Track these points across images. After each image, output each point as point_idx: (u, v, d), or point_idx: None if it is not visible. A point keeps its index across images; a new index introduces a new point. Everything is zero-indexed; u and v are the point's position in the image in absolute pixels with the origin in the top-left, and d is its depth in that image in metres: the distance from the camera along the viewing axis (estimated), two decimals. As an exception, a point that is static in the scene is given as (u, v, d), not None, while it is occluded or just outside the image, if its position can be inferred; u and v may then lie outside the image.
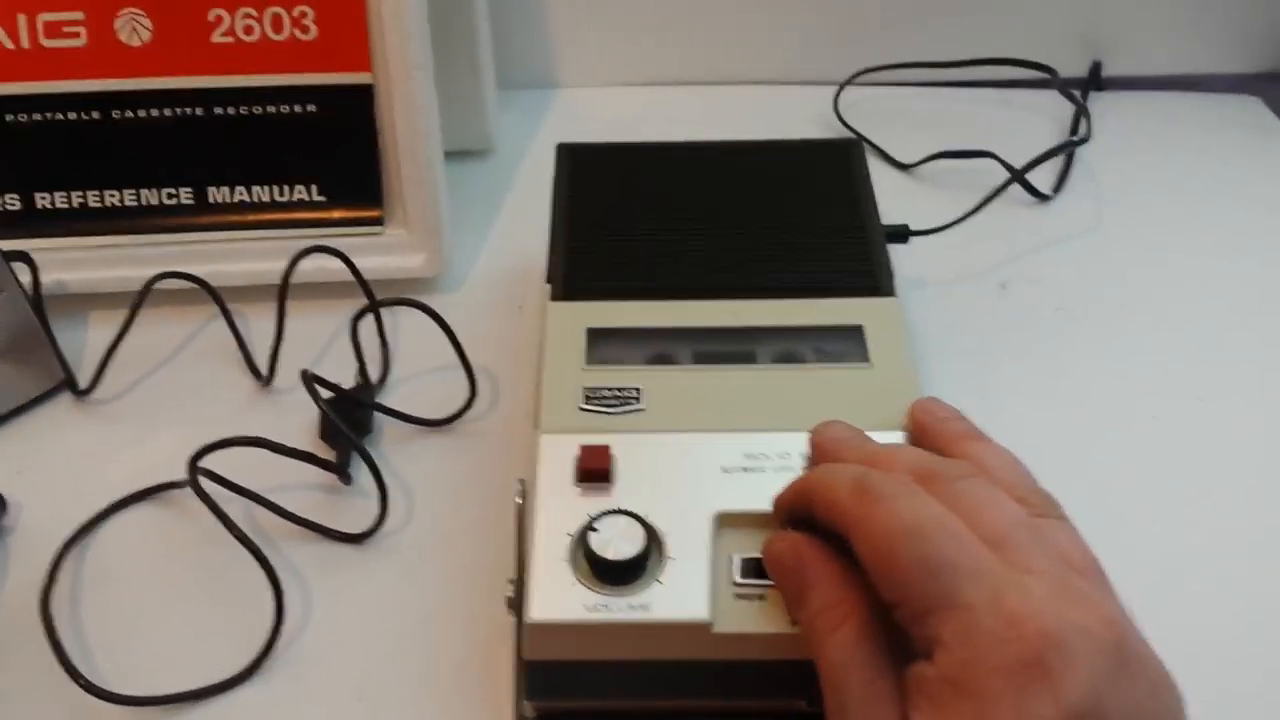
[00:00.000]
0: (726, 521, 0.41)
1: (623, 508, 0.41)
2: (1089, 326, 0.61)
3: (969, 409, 0.52)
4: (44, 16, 0.58)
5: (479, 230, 0.68)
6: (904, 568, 0.33)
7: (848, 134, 0.74)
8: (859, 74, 0.78)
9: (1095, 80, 0.79)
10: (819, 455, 0.43)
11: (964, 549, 0.33)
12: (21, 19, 0.58)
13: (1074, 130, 0.74)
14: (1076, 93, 0.75)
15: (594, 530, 0.40)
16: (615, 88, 0.80)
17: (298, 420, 0.57)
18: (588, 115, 0.78)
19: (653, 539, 0.40)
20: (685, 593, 0.39)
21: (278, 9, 0.59)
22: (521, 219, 0.69)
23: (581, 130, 0.74)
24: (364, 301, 0.60)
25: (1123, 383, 0.58)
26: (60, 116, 0.60)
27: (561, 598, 0.39)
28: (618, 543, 0.39)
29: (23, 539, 0.52)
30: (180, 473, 0.52)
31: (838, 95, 0.77)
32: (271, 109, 0.60)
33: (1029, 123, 0.76)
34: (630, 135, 0.61)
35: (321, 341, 0.61)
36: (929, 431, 0.43)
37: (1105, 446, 0.55)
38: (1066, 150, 0.71)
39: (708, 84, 0.80)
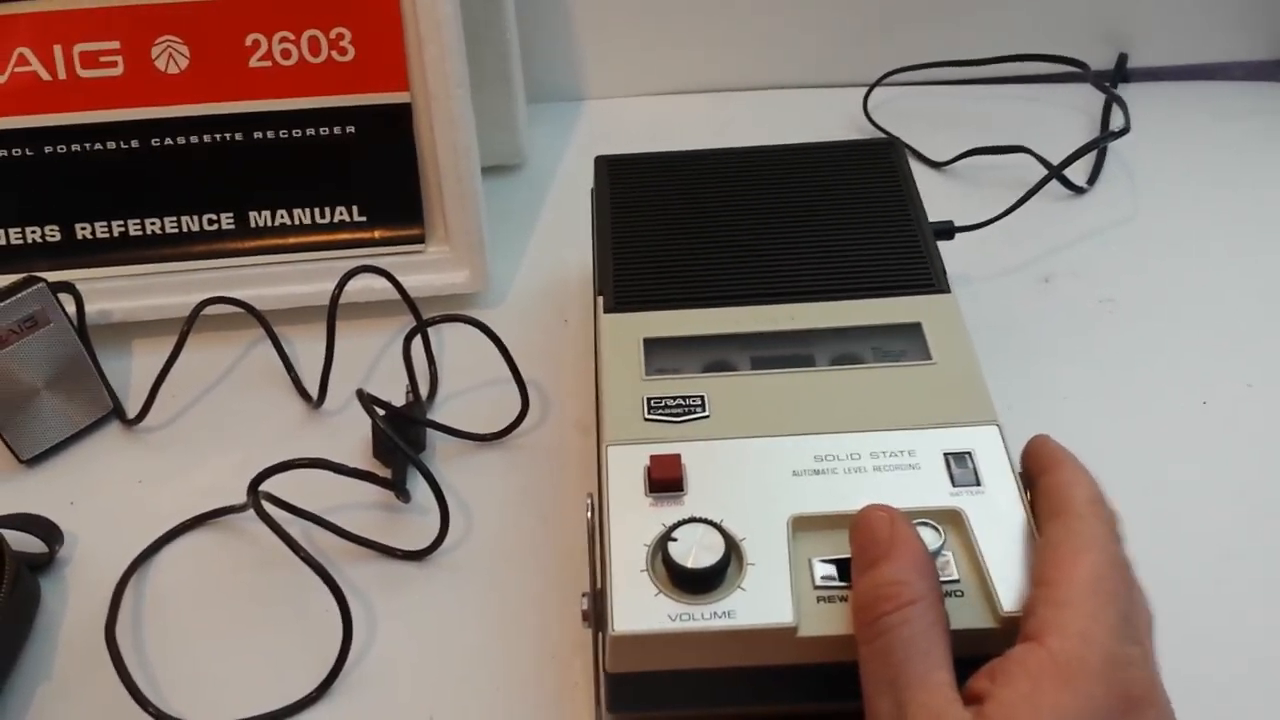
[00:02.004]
0: (802, 524, 0.41)
1: (699, 516, 0.41)
2: (1133, 316, 0.61)
3: (1020, 403, 0.53)
4: (80, 47, 0.58)
5: (516, 244, 0.68)
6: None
7: (879, 134, 0.74)
8: (887, 75, 0.78)
9: (1122, 72, 0.79)
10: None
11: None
12: (58, 50, 0.58)
13: (1104, 122, 0.74)
14: (1108, 84, 0.75)
15: (673, 540, 0.40)
16: (642, 97, 0.80)
17: (349, 440, 0.57)
18: (616, 126, 0.78)
19: (731, 546, 0.40)
20: (768, 598, 0.39)
21: (315, 31, 0.59)
22: (558, 231, 0.69)
23: (610, 141, 0.75)
24: (406, 319, 0.60)
25: (1170, 370, 0.58)
26: (99, 146, 0.60)
27: (644, 609, 0.39)
28: (698, 551, 0.39)
29: (79, 569, 0.52)
30: (232, 497, 0.53)
31: (867, 96, 0.77)
32: (310, 132, 0.60)
33: (1058, 117, 0.76)
34: (659, 144, 0.61)
35: (366, 361, 0.61)
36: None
37: (1156, 434, 0.55)
38: (1106, 143, 0.71)
39: (734, 90, 0.80)
